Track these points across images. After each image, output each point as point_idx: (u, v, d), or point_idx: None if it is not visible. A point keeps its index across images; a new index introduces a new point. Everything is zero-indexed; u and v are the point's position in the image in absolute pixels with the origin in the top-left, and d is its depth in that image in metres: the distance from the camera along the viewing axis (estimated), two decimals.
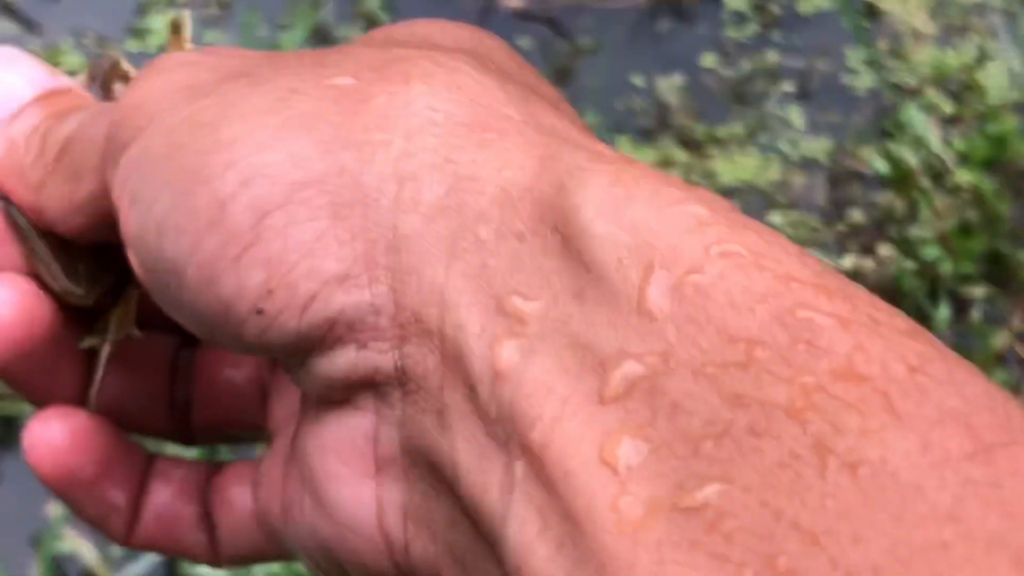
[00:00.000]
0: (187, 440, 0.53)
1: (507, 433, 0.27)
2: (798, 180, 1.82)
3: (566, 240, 0.28)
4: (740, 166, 1.86)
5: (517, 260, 0.28)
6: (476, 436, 0.28)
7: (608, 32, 1.97)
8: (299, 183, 0.32)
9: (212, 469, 0.52)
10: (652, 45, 1.96)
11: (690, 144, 1.85)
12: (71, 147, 0.47)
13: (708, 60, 1.93)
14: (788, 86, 1.90)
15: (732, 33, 1.95)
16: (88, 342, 0.54)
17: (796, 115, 1.87)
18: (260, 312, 0.33)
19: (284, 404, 0.48)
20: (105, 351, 0.54)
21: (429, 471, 0.31)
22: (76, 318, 0.51)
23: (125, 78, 0.56)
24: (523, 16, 1.98)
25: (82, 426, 0.49)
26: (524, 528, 0.26)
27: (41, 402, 0.51)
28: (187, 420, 0.53)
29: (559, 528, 0.26)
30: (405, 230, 0.30)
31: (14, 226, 0.53)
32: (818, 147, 1.84)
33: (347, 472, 0.34)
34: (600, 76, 1.91)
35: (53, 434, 0.49)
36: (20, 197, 0.50)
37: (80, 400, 0.51)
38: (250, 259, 0.33)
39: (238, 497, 0.50)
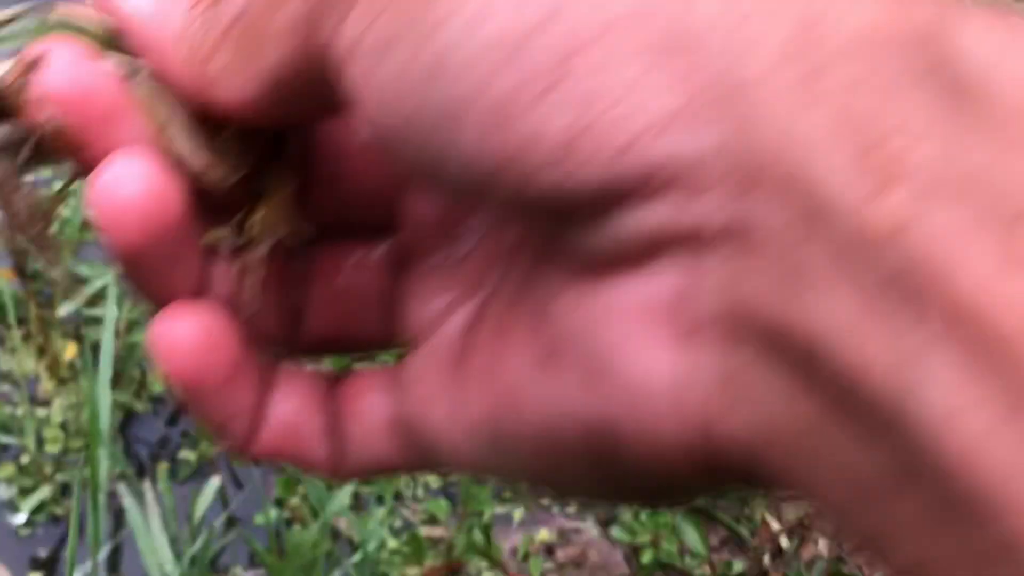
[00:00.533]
0: (296, 351, 0.50)
1: (912, 292, 0.24)
2: None
3: (949, 81, 0.25)
4: None
5: (889, 102, 0.26)
6: (856, 296, 0.25)
7: None
8: (614, 19, 0.29)
9: (336, 377, 0.49)
10: None
11: None
12: (250, 15, 0.44)
13: None
14: None
15: None
16: (218, 237, 0.50)
17: None
18: (560, 159, 0.29)
19: (427, 304, 0.46)
20: (261, 251, 0.50)
21: (762, 336, 0.27)
22: (202, 207, 0.47)
23: None
24: None
25: (212, 325, 0.47)
26: (950, 394, 0.24)
27: (157, 297, 0.48)
28: (297, 330, 0.51)
29: (1003, 396, 0.23)
30: (744, 74, 0.27)
31: (147, 97, 0.50)
32: None
33: (640, 341, 0.30)
34: None
35: (183, 330, 0.47)
36: (175, 72, 0.48)
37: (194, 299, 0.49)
38: (555, 99, 0.29)
39: (370, 406, 0.48)
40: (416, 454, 0.46)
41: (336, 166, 0.52)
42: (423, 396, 0.44)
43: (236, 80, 0.45)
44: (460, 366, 0.42)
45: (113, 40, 0.52)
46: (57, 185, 0.53)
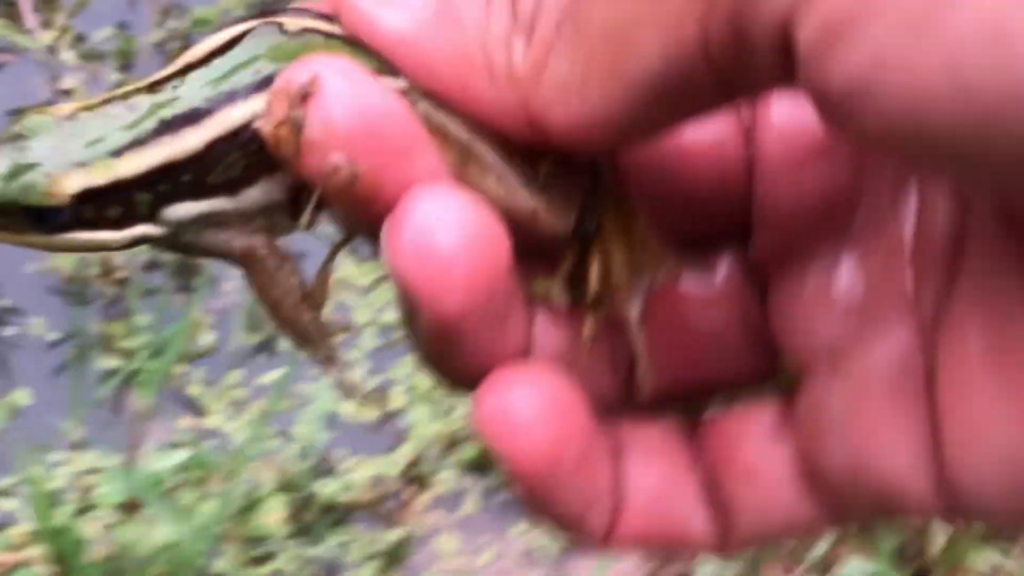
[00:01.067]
0: (632, 408, 0.42)
1: None
2: None
3: None
4: None
5: None
6: None
7: None
8: None
9: (692, 429, 0.41)
10: None
11: None
12: (594, 7, 0.36)
13: None
14: None
15: None
16: (546, 289, 0.42)
17: None
18: None
19: (818, 326, 0.39)
20: (634, 312, 0.42)
21: None
22: (520, 253, 0.38)
23: None
24: None
25: (556, 390, 0.38)
26: None
27: (474, 366, 0.39)
28: (631, 381, 0.42)
29: None
30: None
31: (438, 125, 0.40)
32: None
33: None
34: None
35: (523, 400, 0.38)
36: (468, 94, 0.39)
37: (522, 359, 0.40)
38: None
39: (760, 457, 0.40)
40: (847, 504, 0.38)
41: (658, 181, 0.44)
42: (865, 435, 0.36)
43: (588, 94, 0.36)
44: (928, 399, 0.35)
45: (368, 55, 0.42)
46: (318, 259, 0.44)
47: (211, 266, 1.83)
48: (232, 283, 1.82)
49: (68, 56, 2.04)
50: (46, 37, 2.05)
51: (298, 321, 0.44)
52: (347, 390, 0.46)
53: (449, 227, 0.36)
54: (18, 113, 0.45)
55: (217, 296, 1.83)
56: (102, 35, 2.07)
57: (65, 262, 1.80)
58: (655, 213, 0.44)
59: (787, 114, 0.44)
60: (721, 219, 0.44)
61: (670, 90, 0.35)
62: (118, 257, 1.83)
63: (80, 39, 2.06)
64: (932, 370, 0.37)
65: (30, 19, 2.06)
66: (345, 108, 0.37)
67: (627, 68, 0.35)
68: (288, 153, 0.39)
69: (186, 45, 2.02)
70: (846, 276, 0.41)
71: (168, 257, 1.83)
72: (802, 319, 0.41)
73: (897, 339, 0.38)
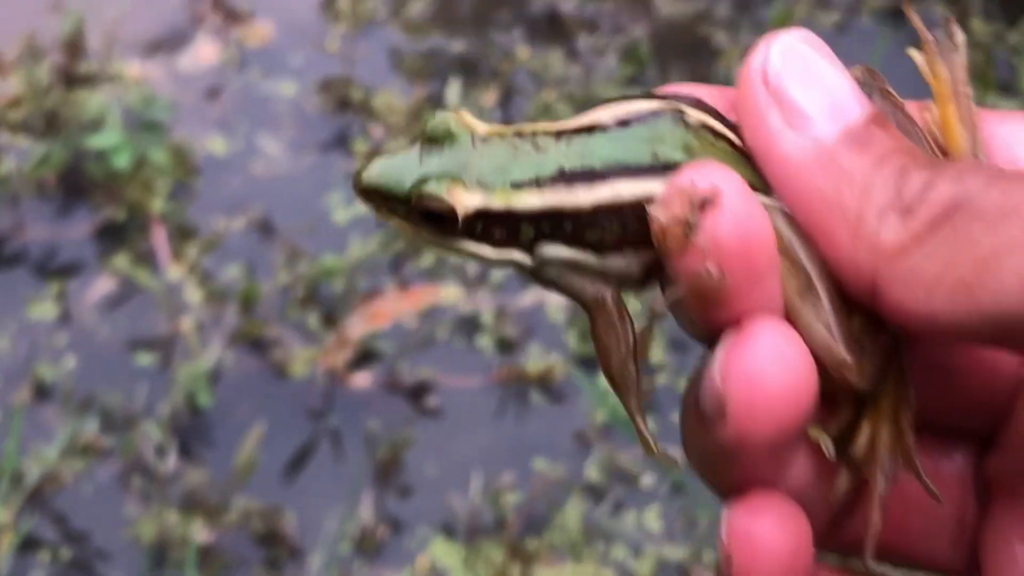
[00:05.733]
0: (834, 549, 0.46)
1: None
2: None
3: None
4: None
5: None
6: None
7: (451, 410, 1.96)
8: None
9: None
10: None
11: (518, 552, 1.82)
12: (974, 221, 0.39)
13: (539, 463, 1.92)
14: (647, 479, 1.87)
15: None
16: (820, 437, 0.45)
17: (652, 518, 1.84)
18: None
19: (1015, 563, 0.42)
20: (882, 487, 0.46)
21: None
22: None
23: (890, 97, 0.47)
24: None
25: (797, 527, 0.43)
26: None
27: (745, 478, 0.44)
28: (838, 528, 0.46)
29: None
30: None
31: (790, 253, 0.44)
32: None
33: None
34: (435, 467, 1.90)
35: (774, 534, 0.43)
36: (832, 237, 0.42)
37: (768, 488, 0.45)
38: None
39: None
40: None
41: (940, 365, 0.47)
42: None
43: (935, 295, 0.40)
44: None
45: (745, 160, 0.46)
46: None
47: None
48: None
49: (193, 294, 2.05)
50: (175, 271, 2.07)
51: (625, 368, 0.49)
52: (646, 444, 0.49)
53: (781, 371, 0.40)
54: (433, 112, 0.51)
55: None
56: (230, 274, 2.08)
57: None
58: (923, 393, 0.47)
59: None
60: (976, 421, 0.47)
61: (1009, 327, 0.38)
62: None
63: (207, 276, 2.08)
64: None
65: (163, 249, 2.09)
66: (734, 227, 0.41)
67: (982, 294, 0.38)
68: (672, 247, 0.43)
69: (312, 292, 2.02)
70: None
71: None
72: (1011, 549, 0.43)
73: None
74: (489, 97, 2.31)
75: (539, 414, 1.96)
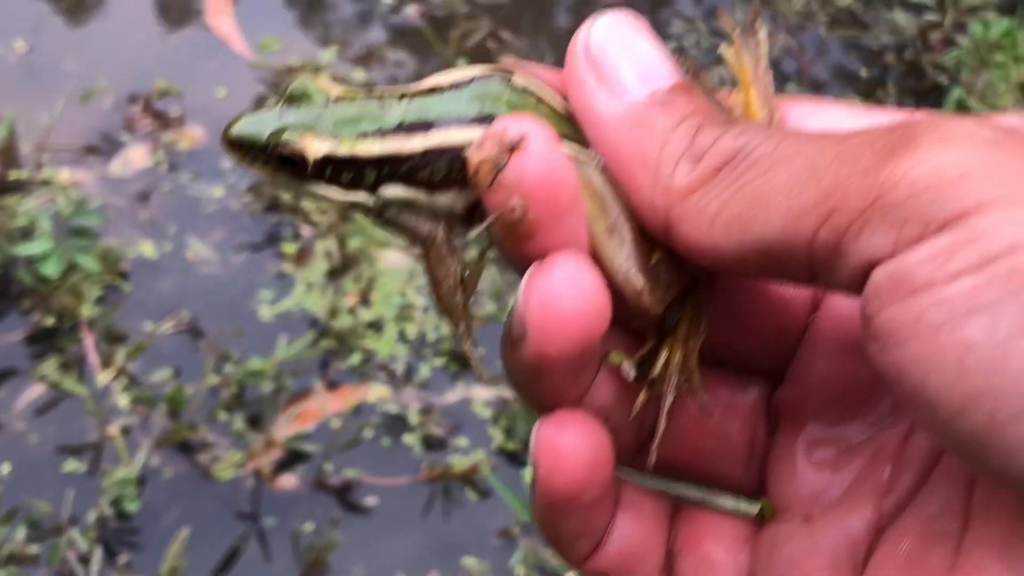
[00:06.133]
0: (642, 469, 0.51)
1: None
2: None
3: None
4: None
5: None
6: None
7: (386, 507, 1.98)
8: None
9: (677, 508, 0.48)
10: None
11: None
12: (750, 168, 0.46)
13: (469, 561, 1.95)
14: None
15: None
16: (622, 360, 0.51)
17: None
18: None
19: (805, 477, 0.48)
20: (669, 400, 0.51)
21: None
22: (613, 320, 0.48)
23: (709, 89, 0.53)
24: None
25: (599, 441, 0.48)
26: None
27: (545, 401, 0.49)
28: (646, 449, 0.51)
29: None
30: None
31: (599, 197, 0.50)
32: None
33: None
34: (362, 568, 1.92)
35: (573, 441, 0.48)
36: (637, 184, 0.48)
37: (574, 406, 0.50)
38: None
39: (716, 559, 0.49)
40: None
41: (738, 308, 0.54)
42: None
43: (714, 228, 0.46)
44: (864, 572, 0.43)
45: (568, 121, 0.53)
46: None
47: None
48: None
49: (121, 398, 2.07)
50: (103, 376, 2.09)
51: (452, 299, 0.55)
52: (475, 365, 0.55)
53: (574, 297, 0.46)
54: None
55: None
56: (158, 378, 2.10)
57: None
58: (721, 331, 0.53)
59: (849, 309, 0.53)
60: (768, 360, 0.54)
61: (773, 256, 0.45)
62: None
63: (136, 381, 2.09)
64: (869, 557, 0.46)
65: (92, 354, 2.10)
66: (537, 169, 0.47)
67: (751, 225, 0.45)
68: (482, 182, 0.49)
69: (239, 394, 2.04)
70: (841, 452, 0.50)
71: None
72: (794, 469, 0.50)
73: (856, 522, 0.47)
74: None
75: (465, 511, 1.97)
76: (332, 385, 2.11)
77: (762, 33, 0.58)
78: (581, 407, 0.51)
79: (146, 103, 2.43)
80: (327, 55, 2.51)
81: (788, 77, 2.51)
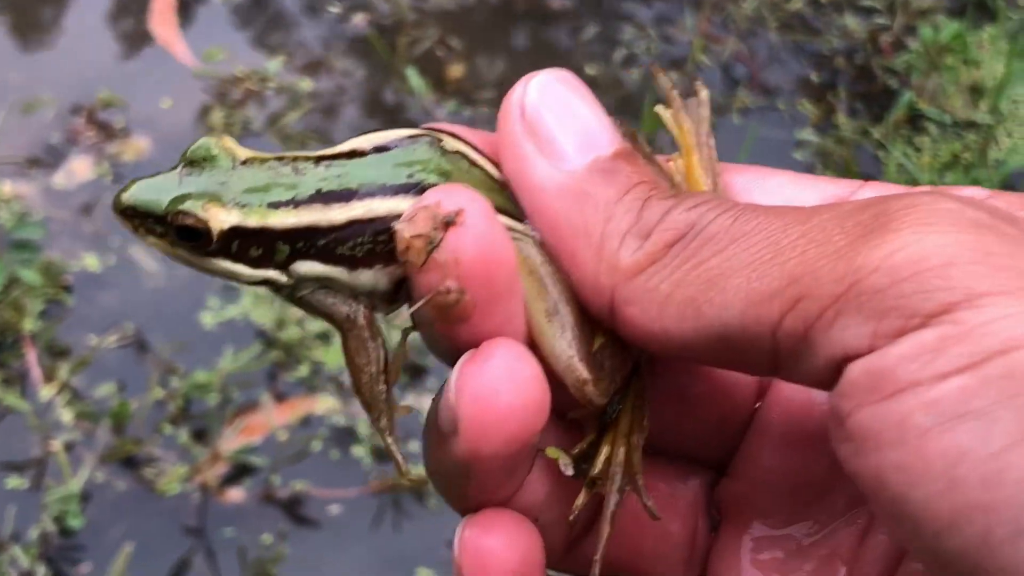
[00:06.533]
0: (571, 568, 0.48)
1: None
2: None
3: None
4: None
5: None
6: None
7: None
8: None
9: None
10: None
11: None
12: (704, 245, 0.42)
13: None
14: None
15: None
16: (559, 456, 0.47)
17: None
18: None
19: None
20: (613, 502, 0.47)
21: None
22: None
23: (650, 158, 0.49)
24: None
25: (528, 544, 0.45)
26: None
27: (471, 498, 0.46)
28: (577, 547, 0.48)
29: None
30: None
31: (537, 276, 0.46)
32: None
33: None
34: None
35: (499, 545, 0.45)
36: (578, 262, 0.44)
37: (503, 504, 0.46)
38: None
39: None
40: None
41: (678, 391, 0.50)
42: None
43: (665, 311, 0.42)
44: None
45: (502, 190, 0.48)
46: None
47: None
48: None
49: (64, 413, 2.03)
50: (46, 391, 2.05)
51: (373, 389, 0.50)
52: (397, 463, 0.51)
53: (512, 390, 0.42)
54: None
55: None
56: (102, 391, 2.06)
57: None
58: (660, 416, 0.50)
59: (800, 397, 0.49)
60: (711, 449, 0.50)
61: (730, 343, 0.41)
62: None
63: (79, 395, 2.06)
64: None
65: (35, 369, 2.07)
66: (476, 248, 0.43)
67: (706, 309, 0.41)
68: (413, 260, 0.45)
69: (186, 407, 2.01)
70: (790, 553, 0.46)
71: None
72: (739, 572, 0.47)
73: None
74: None
75: (415, 522, 1.95)
76: (280, 397, 2.08)
77: (704, 94, 0.53)
78: (509, 505, 0.47)
79: (90, 114, 2.40)
80: (273, 65, 2.48)
81: (739, 82, 2.51)
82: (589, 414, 0.49)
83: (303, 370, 2.10)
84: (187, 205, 0.51)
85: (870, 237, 0.40)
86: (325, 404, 2.07)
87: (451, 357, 0.47)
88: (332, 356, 2.11)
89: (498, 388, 0.43)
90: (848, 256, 0.40)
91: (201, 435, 2.03)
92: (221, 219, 0.51)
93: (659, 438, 0.50)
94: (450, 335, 0.46)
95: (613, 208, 0.45)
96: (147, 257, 2.24)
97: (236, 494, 1.98)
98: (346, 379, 2.09)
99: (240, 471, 2.00)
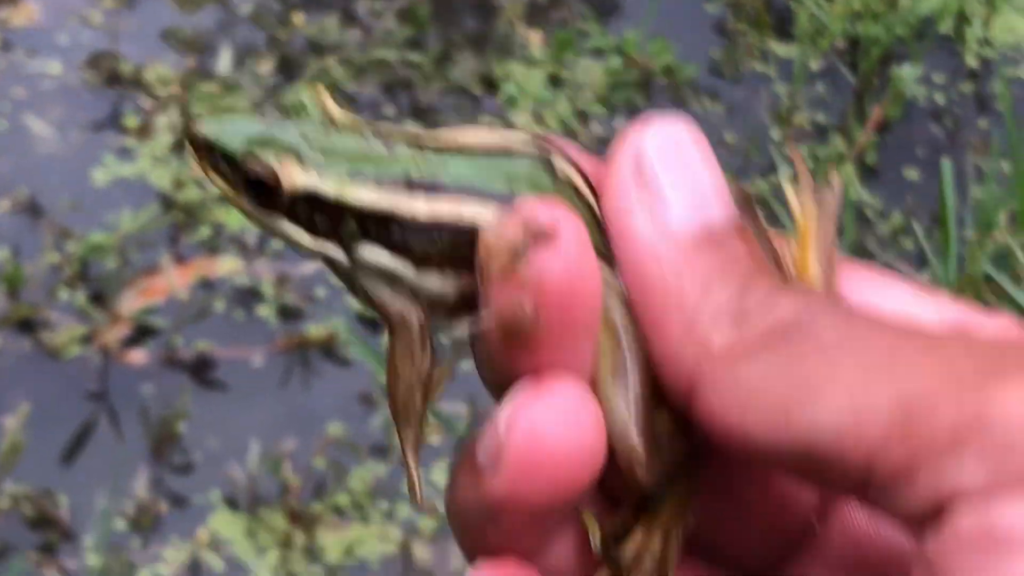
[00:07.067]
0: None
1: None
2: None
3: None
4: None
5: None
6: None
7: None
8: None
9: None
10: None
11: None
12: (806, 343, 0.39)
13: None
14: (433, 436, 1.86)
15: None
16: (591, 528, 0.44)
17: None
18: None
19: None
20: (648, 566, 0.44)
21: None
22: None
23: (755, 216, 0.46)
24: None
25: None
26: None
27: (493, 546, 0.42)
28: None
29: None
30: None
31: (613, 329, 0.43)
32: None
33: None
34: (216, 441, 1.87)
35: None
36: (662, 326, 0.41)
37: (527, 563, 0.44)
38: None
39: None
40: None
41: (730, 490, 0.46)
42: None
43: (749, 408, 0.38)
44: None
45: (598, 229, 0.45)
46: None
47: None
48: None
49: None
50: None
51: (409, 400, 0.46)
52: (411, 486, 0.46)
53: (570, 435, 0.38)
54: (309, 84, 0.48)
55: None
56: None
57: None
58: (705, 512, 0.45)
59: (867, 523, 0.46)
60: (754, 558, 0.46)
61: (815, 458, 0.36)
62: None
63: None
64: None
65: None
66: (564, 272, 0.39)
67: (797, 415, 0.37)
68: (492, 269, 0.41)
69: (82, 270, 1.96)
70: None
71: None
72: None
73: None
74: (265, 65, 2.26)
75: (324, 380, 1.92)
76: (181, 259, 2.03)
77: (836, 183, 0.48)
78: (530, 561, 0.43)
79: None
80: None
81: None
82: (630, 491, 0.44)
83: (204, 232, 2.05)
84: (264, 153, 0.47)
85: (1005, 376, 0.35)
86: (227, 265, 2.03)
87: (502, 385, 0.43)
88: (234, 217, 2.06)
89: (556, 427, 0.39)
90: (975, 389, 0.35)
91: (100, 299, 1.98)
92: (295, 177, 0.47)
93: (698, 535, 0.46)
94: (510, 362, 0.42)
95: (714, 280, 0.41)
96: (39, 121, 2.17)
97: (138, 355, 1.93)
98: (249, 239, 2.04)
99: (141, 333, 1.95)
